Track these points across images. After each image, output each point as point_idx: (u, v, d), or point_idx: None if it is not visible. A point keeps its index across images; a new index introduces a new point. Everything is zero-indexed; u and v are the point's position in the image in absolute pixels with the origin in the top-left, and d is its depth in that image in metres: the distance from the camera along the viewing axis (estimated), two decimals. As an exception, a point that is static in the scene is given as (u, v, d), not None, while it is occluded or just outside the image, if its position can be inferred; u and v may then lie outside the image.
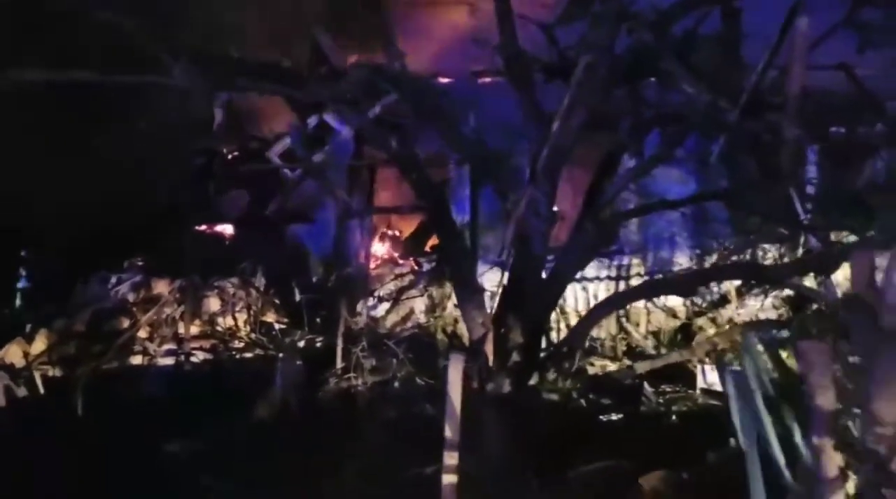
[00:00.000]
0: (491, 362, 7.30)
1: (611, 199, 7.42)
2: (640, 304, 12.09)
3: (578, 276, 12.46)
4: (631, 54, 7.00)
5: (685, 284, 7.81)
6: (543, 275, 7.57)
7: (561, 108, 6.88)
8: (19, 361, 9.73)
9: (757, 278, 8.57)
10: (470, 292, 7.51)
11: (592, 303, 11.64)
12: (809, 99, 7.56)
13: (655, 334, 12.16)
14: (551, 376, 7.60)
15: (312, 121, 8.23)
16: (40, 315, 10.37)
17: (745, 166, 7.87)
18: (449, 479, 5.22)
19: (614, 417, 8.91)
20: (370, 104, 7.82)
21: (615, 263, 12.58)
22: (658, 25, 6.87)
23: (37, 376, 9.30)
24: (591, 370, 10.43)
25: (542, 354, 7.70)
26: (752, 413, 4.54)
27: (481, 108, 9.57)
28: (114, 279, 11.48)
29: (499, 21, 7.54)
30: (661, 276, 10.70)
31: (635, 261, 12.62)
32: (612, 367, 10.90)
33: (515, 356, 7.25)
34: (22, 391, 8.99)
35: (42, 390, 9.26)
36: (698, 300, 12.22)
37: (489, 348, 7.35)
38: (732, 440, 5.19)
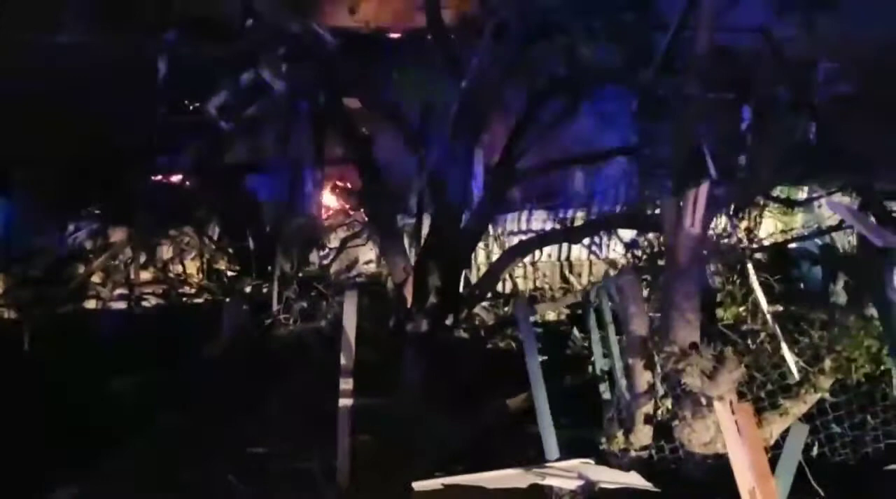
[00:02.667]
0: (410, 304, 7.88)
1: (518, 154, 7.87)
2: (584, 256, 12.71)
3: (525, 228, 13.10)
4: (540, 13, 7.38)
5: (578, 233, 8.37)
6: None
7: (473, 63, 7.31)
8: (-24, 304, 10.19)
9: (634, 227, 9.17)
10: (391, 239, 8.03)
11: (536, 254, 12.24)
12: (727, 59, 8.02)
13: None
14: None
15: (245, 76, 8.62)
16: (-1, 261, 10.80)
17: (657, 124, 8.33)
18: (344, 402, 5.81)
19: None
20: (302, 60, 8.18)
21: (561, 215, 13.12)
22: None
23: (-8, 316, 9.77)
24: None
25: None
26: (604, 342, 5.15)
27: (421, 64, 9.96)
28: (71, 227, 11.88)
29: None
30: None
31: (580, 214, 13.17)
32: (551, 315, 11.51)
33: (433, 299, 7.82)
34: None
35: (-2, 331, 9.75)
36: (638, 252, 12.84)
37: (409, 291, 7.92)
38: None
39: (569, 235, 8.86)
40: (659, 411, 4.59)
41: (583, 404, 5.64)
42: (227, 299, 10.49)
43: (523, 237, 12.55)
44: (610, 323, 5.25)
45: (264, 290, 10.76)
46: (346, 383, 5.74)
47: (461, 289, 8.49)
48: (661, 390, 4.45)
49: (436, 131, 8.08)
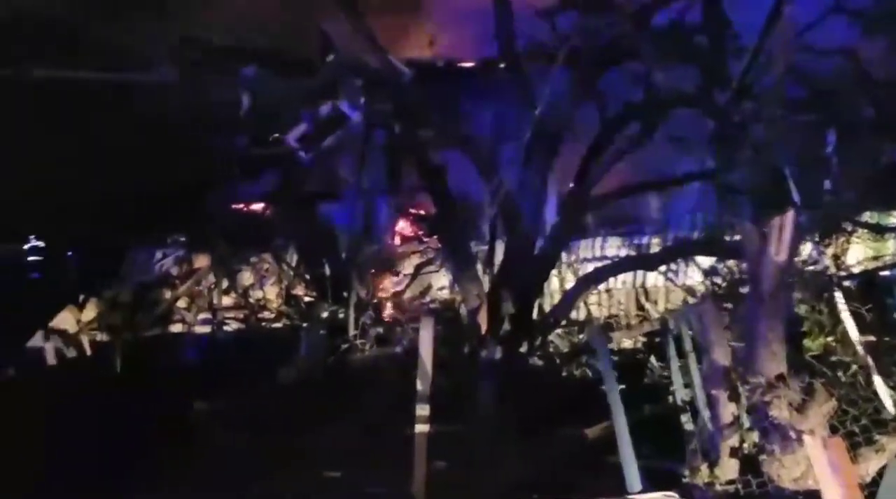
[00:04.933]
0: (484, 331, 7.89)
1: (592, 180, 7.83)
2: (660, 282, 12.45)
3: (598, 254, 12.94)
4: (612, 39, 7.38)
5: (655, 260, 8.21)
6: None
7: (546, 90, 7.35)
8: (71, 327, 10.73)
9: (712, 254, 8.93)
10: (465, 266, 8.08)
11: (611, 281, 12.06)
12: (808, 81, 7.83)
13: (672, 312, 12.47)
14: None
15: (325, 107, 8.88)
16: (91, 286, 11.34)
17: (735, 149, 8.15)
18: (421, 428, 5.83)
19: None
20: (378, 93, 8.39)
21: (636, 242, 12.92)
22: (639, 15, 7.24)
23: (85, 340, 10.27)
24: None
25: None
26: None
27: (495, 92, 10.05)
28: (159, 254, 12.42)
29: (495, 7, 8.02)
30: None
31: (655, 240, 12.93)
32: (627, 343, 11.29)
33: (507, 325, 7.81)
34: (72, 353, 9.96)
35: (89, 353, 10.23)
36: (717, 280, 12.48)
37: (482, 318, 7.93)
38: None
39: (646, 261, 8.71)
40: (745, 444, 4.45)
41: (662, 434, 5.50)
42: (305, 325, 10.71)
43: (597, 264, 12.42)
44: (690, 352, 5.13)
45: (340, 315, 10.97)
46: (423, 409, 5.77)
47: (535, 316, 8.43)
48: (746, 423, 4.31)
49: (508, 159, 8.12)
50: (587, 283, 8.69)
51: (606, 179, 8.51)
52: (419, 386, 5.77)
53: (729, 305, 6.35)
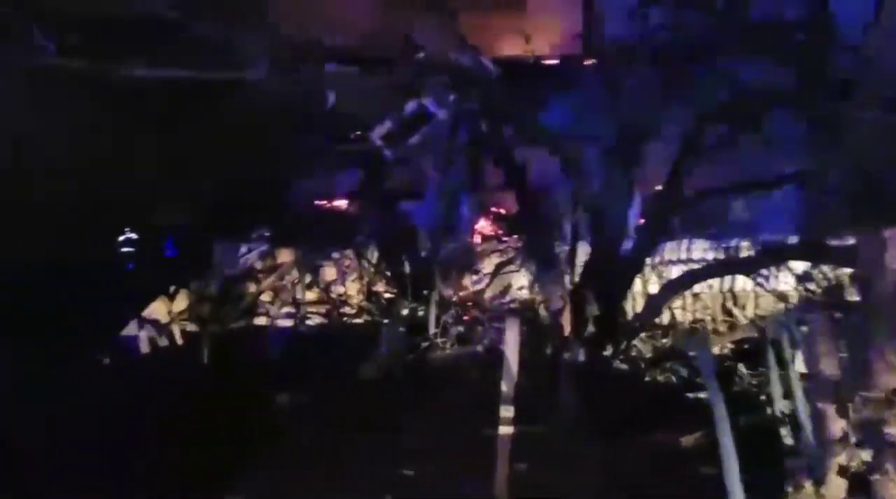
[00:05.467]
0: (567, 333, 7.77)
1: (681, 181, 7.59)
2: (749, 287, 11.99)
3: (684, 256, 12.57)
4: (703, 35, 7.13)
5: (751, 264, 7.88)
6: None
7: (633, 88, 7.17)
8: (163, 317, 11.14)
9: (813, 259, 8.48)
10: (548, 266, 7.96)
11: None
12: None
13: (762, 318, 12.00)
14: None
15: (410, 105, 8.93)
16: (181, 277, 11.75)
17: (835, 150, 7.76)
18: (504, 430, 5.77)
19: (702, 395, 9.06)
20: (464, 89, 8.36)
21: (724, 245, 12.49)
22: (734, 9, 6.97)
23: (176, 330, 10.65)
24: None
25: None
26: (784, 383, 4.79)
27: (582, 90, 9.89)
28: (244, 248, 12.76)
29: (583, 3, 7.87)
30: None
31: (744, 243, 12.47)
32: (713, 349, 10.92)
33: (591, 328, 7.66)
34: (164, 342, 10.35)
35: (180, 342, 10.61)
36: (812, 286, 11.93)
37: (565, 319, 7.81)
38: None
39: (739, 265, 8.36)
40: (854, 462, 4.20)
41: (757, 446, 5.26)
42: (385, 321, 10.81)
43: (682, 267, 12.08)
44: (791, 362, 4.89)
45: (420, 313, 11.03)
46: (507, 411, 5.70)
47: (620, 319, 8.24)
48: (856, 439, 4.06)
49: (594, 157, 7.95)
50: (677, 287, 8.44)
51: (695, 179, 8.26)
52: (503, 387, 5.70)
53: (833, 314, 6.03)
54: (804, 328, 4.64)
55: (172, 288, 11.72)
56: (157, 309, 11.24)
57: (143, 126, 8.75)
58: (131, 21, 6.33)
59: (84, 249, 13.23)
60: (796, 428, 4.79)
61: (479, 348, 9.16)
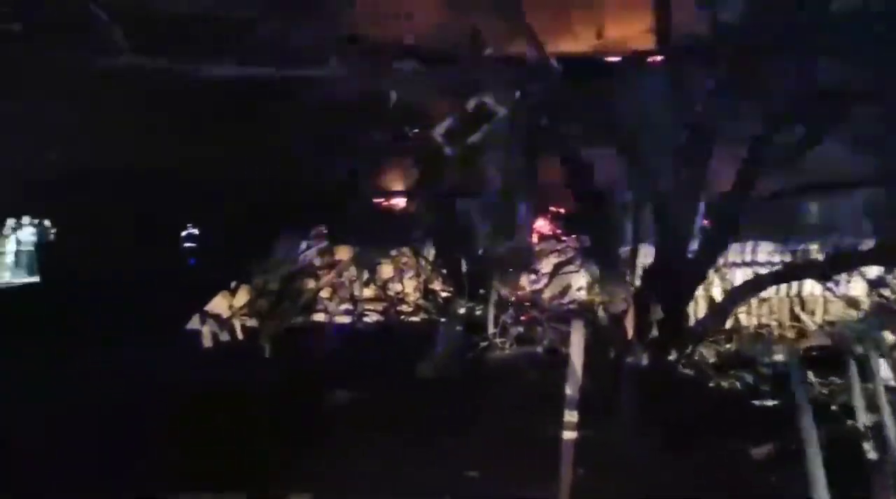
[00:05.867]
0: (630, 336, 7.58)
1: (752, 181, 7.33)
2: (818, 291, 11.56)
3: (748, 259, 12.21)
4: (780, 30, 6.86)
5: (821, 269, 7.57)
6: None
7: (707, 85, 6.95)
8: (224, 312, 11.32)
9: (891, 263, 8.07)
10: (610, 267, 7.79)
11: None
12: None
13: (832, 324, 11.56)
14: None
15: (472, 102, 8.84)
16: (242, 273, 11.93)
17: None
18: (568, 435, 5.64)
19: (769, 403, 8.76)
20: (526, 87, 8.25)
21: (791, 248, 12.10)
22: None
23: (237, 324, 10.81)
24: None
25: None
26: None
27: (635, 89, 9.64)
28: (303, 245, 12.91)
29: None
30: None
31: (813, 246, 12.04)
32: (779, 356, 10.58)
33: (655, 332, 7.47)
34: (225, 336, 10.51)
35: (241, 337, 10.76)
36: (886, 292, 11.43)
37: (629, 322, 7.62)
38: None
39: (811, 270, 8.04)
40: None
41: (833, 459, 5.03)
42: (442, 320, 10.77)
43: (747, 270, 11.72)
44: (876, 372, 4.66)
45: (477, 312, 10.96)
46: (572, 415, 5.56)
47: (684, 323, 8.02)
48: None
49: (660, 156, 7.74)
50: (745, 290, 8.16)
51: (765, 180, 7.97)
52: (568, 391, 5.56)
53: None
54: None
55: (233, 283, 11.94)
56: (219, 304, 11.44)
57: (207, 124, 8.89)
58: (204, 20, 6.42)
59: (150, 245, 13.59)
60: (881, 442, 4.56)
61: (540, 349, 9.03)
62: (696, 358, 8.27)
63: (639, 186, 7.50)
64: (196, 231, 16.88)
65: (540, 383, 8.14)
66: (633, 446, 6.75)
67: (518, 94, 8.25)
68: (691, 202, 7.62)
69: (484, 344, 9.61)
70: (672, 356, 7.49)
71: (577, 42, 8.70)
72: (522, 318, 9.70)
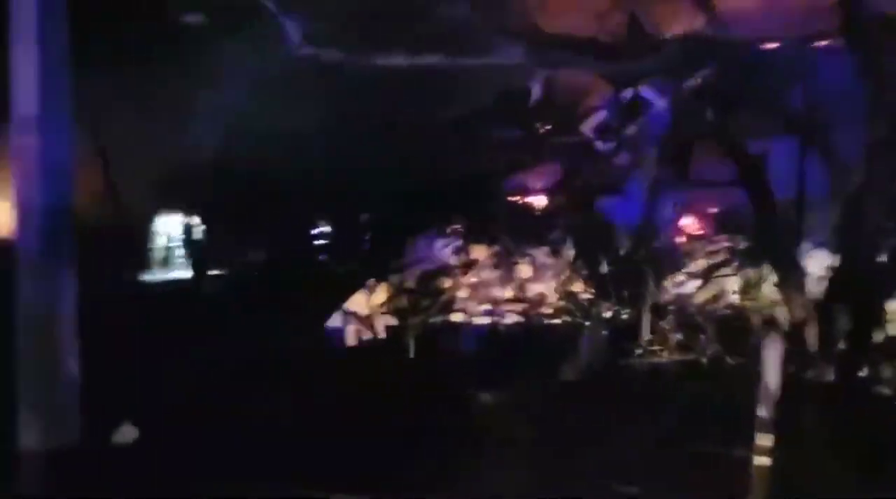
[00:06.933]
0: (812, 349, 6.88)
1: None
2: None
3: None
4: None
5: None
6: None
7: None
8: (363, 310, 11.30)
9: None
10: (791, 274, 7.09)
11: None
12: None
13: None
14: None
15: (627, 94, 8.29)
16: (380, 270, 11.90)
17: None
18: (760, 460, 5.09)
19: None
20: (688, 75, 7.65)
21: None
22: None
23: (379, 323, 10.77)
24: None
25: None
26: None
27: (815, 74, 8.81)
28: (439, 243, 12.74)
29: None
30: None
31: None
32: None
33: (842, 344, 6.73)
34: (367, 335, 10.49)
35: (382, 336, 10.71)
36: None
37: (811, 334, 6.92)
38: None
39: None
40: None
41: None
42: (587, 323, 10.31)
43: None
44: None
45: (623, 316, 10.44)
46: (765, 439, 5.01)
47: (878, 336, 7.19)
48: None
49: (854, 149, 6.96)
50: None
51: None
52: (761, 412, 5.02)
53: None
54: None
55: (371, 281, 11.92)
56: (358, 302, 11.43)
57: (356, 117, 8.83)
58: (379, 8, 6.28)
59: (291, 240, 13.87)
60: None
61: (703, 359, 8.38)
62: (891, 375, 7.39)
63: (832, 182, 6.74)
64: (329, 228, 17.11)
65: (703, 396, 7.56)
66: (818, 472, 6.08)
67: (677, 83, 7.62)
68: (885, 201, 6.78)
69: (638, 351, 9.06)
70: (862, 373, 6.70)
71: (751, 24, 7.95)
72: (678, 325, 9.05)
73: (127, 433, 6.37)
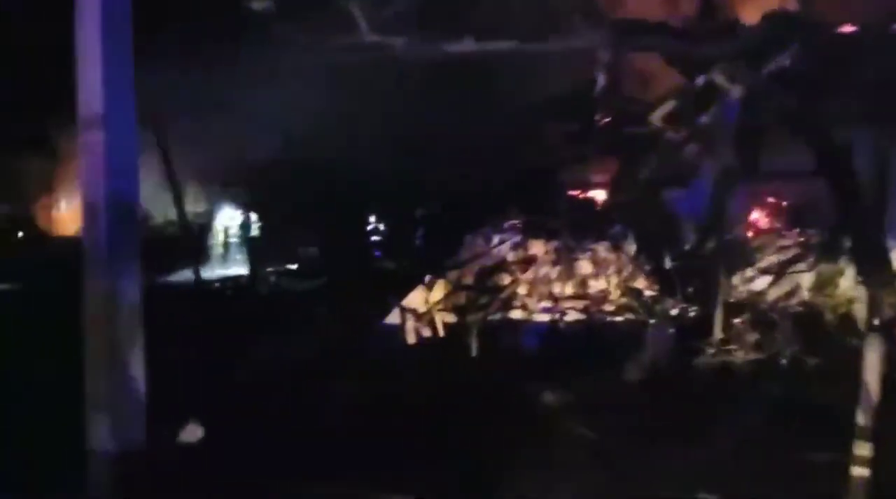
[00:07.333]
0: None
1: None
2: None
3: None
4: None
5: None
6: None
7: None
8: (421, 306, 11.15)
9: None
10: (878, 269, 6.66)
11: None
12: None
13: None
14: None
15: (699, 81, 7.91)
16: (437, 267, 11.74)
17: None
18: (859, 471, 4.75)
19: None
20: (768, 60, 7.26)
21: None
22: None
23: (438, 320, 10.61)
24: None
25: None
26: None
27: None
28: (496, 239, 12.53)
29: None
30: None
31: None
32: None
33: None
34: (426, 332, 10.34)
35: (441, 333, 10.55)
36: None
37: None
38: None
39: None
40: None
41: None
42: (651, 321, 9.97)
43: None
44: None
45: (690, 314, 10.06)
46: (863, 449, 4.67)
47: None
48: None
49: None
50: None
51: None
52: (860, 420, 4.68)
53: None
54: None
55: (428, 277, 11.78)
56: (416, 298, 11.29)
57: (414, 112, 8.67)
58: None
59: (347, 237, 13.85)
60: None
61: (782, 360, 7.99)
62: None
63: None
64: (383, 225, 17.06)
65: (785, 399, 7.19)
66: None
67: (753, 70, 7.22)
68: None
69: (710, 350, 8.69)
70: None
71: (834, 9, 7.50)
72: (752, 322, 8.64)
73: (192, 432, 6.33)
